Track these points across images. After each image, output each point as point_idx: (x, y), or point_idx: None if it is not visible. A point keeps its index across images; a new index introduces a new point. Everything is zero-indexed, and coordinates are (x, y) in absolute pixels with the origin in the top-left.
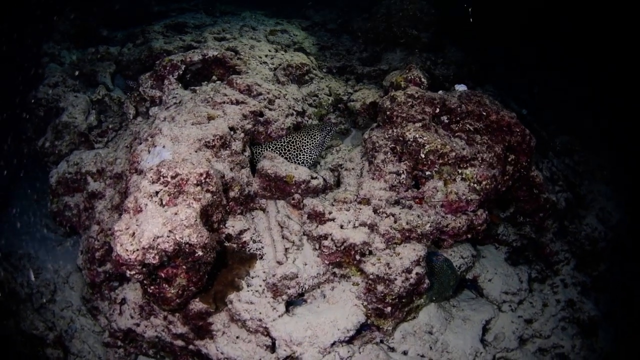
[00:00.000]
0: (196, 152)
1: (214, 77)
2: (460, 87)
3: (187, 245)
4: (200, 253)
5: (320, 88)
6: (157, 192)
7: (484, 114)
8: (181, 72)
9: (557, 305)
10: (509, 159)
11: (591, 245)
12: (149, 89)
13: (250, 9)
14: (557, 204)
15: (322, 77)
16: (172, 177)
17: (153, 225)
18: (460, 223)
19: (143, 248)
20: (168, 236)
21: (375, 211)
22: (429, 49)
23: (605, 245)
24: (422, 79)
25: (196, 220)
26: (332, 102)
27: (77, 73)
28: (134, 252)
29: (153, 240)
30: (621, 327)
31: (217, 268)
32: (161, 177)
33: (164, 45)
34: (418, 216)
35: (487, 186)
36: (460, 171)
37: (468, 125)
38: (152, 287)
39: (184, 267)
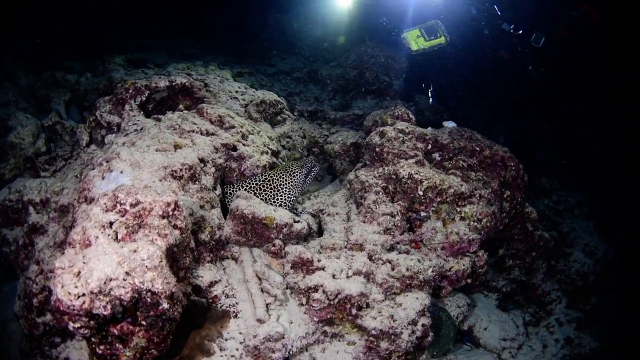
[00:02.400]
0: (160, 181)
1: (180, 107)
2: (449, 124)
3: (148, 294)
4: (166, 305)
5: (293, 130)
6: (111, 223)
7: (477, 149)
8: (144, 99)
9: (556, 344)
10: (505, 195)
11: (582, 280)
12: (107, 114)
13: (212, 54)
14: (549, 241)
15: (295, 119)
16: (132, 205)
17: (105, 263)
18: (463, 266)
19: (91, 292)
20: (124, 279)
21: (370, 258)
22: (400, 97)
23: (595, 278)
24: (410, 115)
25: (161, 261)
26: (306, 145)
27: (30, 95)
28: (78, 297)
29: (104, 283)
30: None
31: (182, 327)
32: (118, 205)
33: (125, 77)
34: (418, 261)
35: (488, 224)
36: (459, 209)
37: (461, 162)
38: (101, 347)
39: (144, 322)
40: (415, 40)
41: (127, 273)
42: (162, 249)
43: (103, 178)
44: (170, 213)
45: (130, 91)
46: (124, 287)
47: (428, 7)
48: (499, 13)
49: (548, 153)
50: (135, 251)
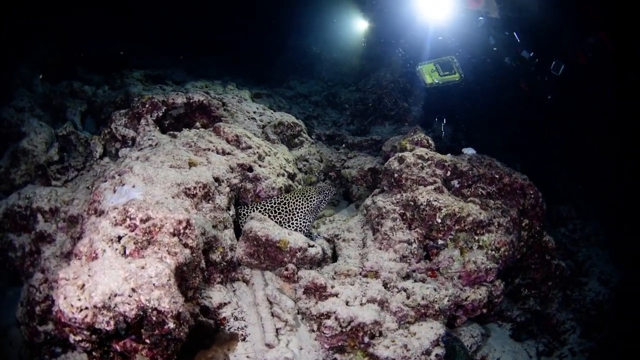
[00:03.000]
0: (173, 198)
1: (197, 125)
2: (469, 151)
3: (154, 312)
4: (172, 325)
5: (311, 153)
6: (119, 238)
7: (497, 176)
8: (160, 114)
9: None
10: (523, 224)
11: (596, 309)
12: (122, 128)
13: (231, 75)
14: (565, 270)
15: (313, 142)
16: (142, 221)
17: (111, 278)
18: (480, 295)
19: (94, 307)
20: (130, 295)
21: (385, 285)
22: (419, 123)
23: (609, 307)
24: (430, 141)
25: (169, 280)
26: (323, 169)
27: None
28: (81, 310)
29: (109, 298)
30: None
31: (188, 347)
32: (128, 219)
33: (142, 92)
34: (434, 290)
35: (506, 253)
36: (477, 238)
37: (480, 190)
38: None
39: (148, 341)
40: (429, 74)
41: (133, 289)
42: (171, 267)
43: (114, 191)
44: (182, 231)
45: (147, 106)
46: (129, 304)
47: (445, 40)
48: (518, 40)
49: (564, 179)
50: (143, 268)
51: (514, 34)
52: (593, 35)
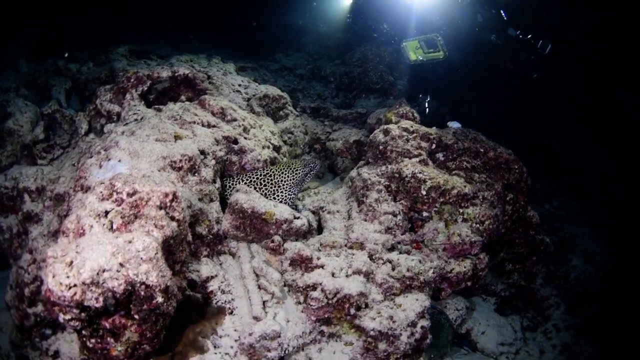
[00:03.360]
0: (159, 171)
1: (182, 98)
2: (454, 125)
3: (142, 287)
4: (160, 299)
5: (296, 125)
6: (106, 212)
7: (482, 150)
8: (146, 88)
9: (553, 350)
10: (508, 198)
11: (581, 286)
12: (107, 103)
13: (216, 49)
14: (549, 246)
15: (298, 115)
16: (129, 195)
17: (99, 254)
18: (465, 268)
19: (83, 283)
20: (118, 271)
21: (370, 257)
22: (404, 96)
23: (595, 285)
24: (415, 114)
25: (157, 253)
26: (308, 142)
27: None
28: (70, 287)
29: (97, 274)
30: None
31: (176, 322)
32: (114, 193)
33: (127, 67)
34: (420, 261)
35: (490, 226)
36: (461, 211)
37: (465, 163)
38: (92, 341)
39: (137, 316)
40: (414, 51)
41: (121, 264)
42: (158, 241)
43: (100, 166)
44: (168, 204)
45: (132, 80)
46: (117, 279)
47: (431, 17)
48: (505, 18)
49: (550, 156)
50: (130, 242)
51: (501, 11)
52: (586, 17)
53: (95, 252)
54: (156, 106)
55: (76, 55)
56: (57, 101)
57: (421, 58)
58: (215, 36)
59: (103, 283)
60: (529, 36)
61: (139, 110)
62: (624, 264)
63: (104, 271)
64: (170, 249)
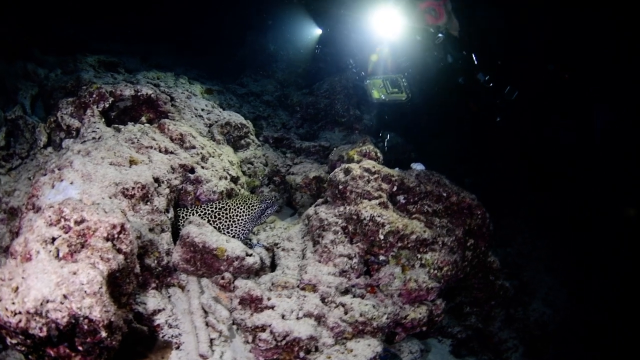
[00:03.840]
0: (110, 198)
1: (143, 119)
2: (418, 166)
3: (86, 320)
4: (104, 334)
5: (256, 156)
6: (53, 239)
7: (444, 195)
8: (107, 105)
9: None
10: (468, 244)
11: (540, 329)
12: (68, 117)
13: (186, 66)
14: (509, 290)
15: (259, 145)
16: (77, 223)
17: (43, 283)
18: (420, 314)
19: (27, 312)
20: (62, 302)
21: (323, 300)
22: (369, 131)
23: (554, 328)
24: (378, 154)
25: (101, 287)
26: (267, 173)
27: None
28: (15, 314)
29: (41, 304)
30: None
31: (122, 354)
32: (62, 220)
33: (93, 79)
34: (373, 306)
35: (449, 272)
36: (420, 256)
37: (427, 207)
38: None
39: (81, 348)
40: (377, 90)
41: (64, 296)
42: (103, 275)
43: (53, 187)
44: (116, 236)
45: (94, 96)
46: (60, 311)
47: (397, 59)
48: (475, 62)
49: (513, 196)
50: (75, 273)
51: (472, 55)
52: (553, 61)
53: (39, 281)
54: (116, 125)
55: (46, 59)
56: (22, 107)
57: (384, 97)
58: (188, 52)
59: (47, 313)
60: (497, 83)
61: (98, 128)
62: (583, 307)
63: (47, 302)
64: (116, 282)
